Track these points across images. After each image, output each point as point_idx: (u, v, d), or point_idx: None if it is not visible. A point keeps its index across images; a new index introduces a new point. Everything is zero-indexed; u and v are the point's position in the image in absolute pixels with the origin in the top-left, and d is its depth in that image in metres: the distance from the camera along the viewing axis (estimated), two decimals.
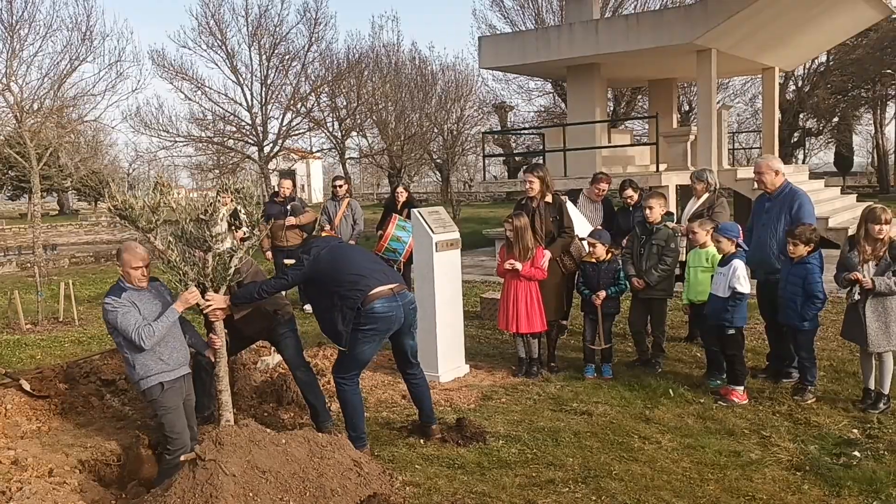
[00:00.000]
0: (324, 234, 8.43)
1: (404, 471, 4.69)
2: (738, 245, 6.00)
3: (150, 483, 4.61)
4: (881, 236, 5.39)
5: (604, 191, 8.50)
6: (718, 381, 6.19)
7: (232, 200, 4.94)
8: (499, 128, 35.65)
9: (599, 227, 7.45)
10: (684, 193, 14.10)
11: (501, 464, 4.80)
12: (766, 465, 4.67)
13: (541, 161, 15.27)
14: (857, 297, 5.44)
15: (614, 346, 6.97)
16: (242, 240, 4.97)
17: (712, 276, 6.21)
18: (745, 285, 5.82)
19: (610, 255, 6.73)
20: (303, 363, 5.54)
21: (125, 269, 4.52)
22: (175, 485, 3.88)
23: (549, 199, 6.88)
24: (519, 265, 6.45)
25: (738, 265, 5.86)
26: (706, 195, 7.58)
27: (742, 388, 5.89)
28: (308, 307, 10.53)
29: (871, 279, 5.33)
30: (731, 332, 5.91)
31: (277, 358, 6.56)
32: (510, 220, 6.58)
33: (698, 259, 6.49)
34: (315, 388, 5.51)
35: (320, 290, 5.03)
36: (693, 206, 7.64)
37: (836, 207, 15.30)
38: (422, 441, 5.21)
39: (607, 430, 5.34)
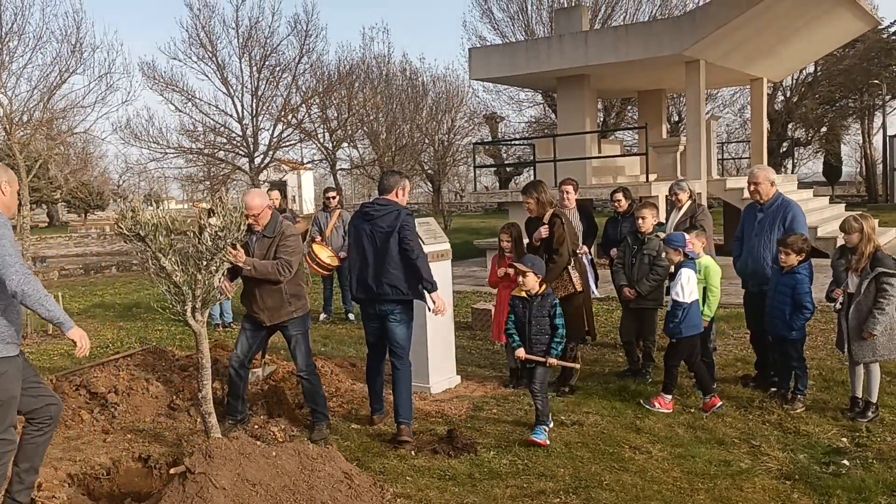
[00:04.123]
0: (315, 245, 8.45)
1: (395, 483, 4.68)
2: (686, 254, 6.05)
3: (139, 496, 4.59)
4: (849, 245, 5.46)
5: (569, 194, 7.92)
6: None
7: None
8: (489, 138, 35.75)
9: (531, 254, 6.23)
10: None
11: (492, 475, 4.80)
12: (756, 474, 4.69)
13: (531, 171, 15.29)
14: (838, 307, 5.50)
15: (583, 366, 6.71)
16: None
17: (704, 288, 6.24)
18: (683, 295, 5.87)
19: (544, 287, 5.61)
20: (310, 367, 5.64)
21: None
22: (165, 498, 3.87)
23: (547, 217, 6.54)
24: (512, 270, 6.47)
25: (682, 273, 5.92)
26: (687, 205, 7.64)
27: (669, 397, 5.96)
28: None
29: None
30: (674, 340, 5.98)
31: (268, 370, 6.55)
32: (506, 230, 6.63)
33: None
34: (317, 393, 5.63)
35: None
36: (676, 216, 7.70)
37: (824, 217, 15.42)
38: (413, 452, 5.20)
39: (598, 440, 5.35)
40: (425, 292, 5.56)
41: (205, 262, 4.43)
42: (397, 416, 5.48)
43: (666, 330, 6.10)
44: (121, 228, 4.36)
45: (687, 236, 6.46)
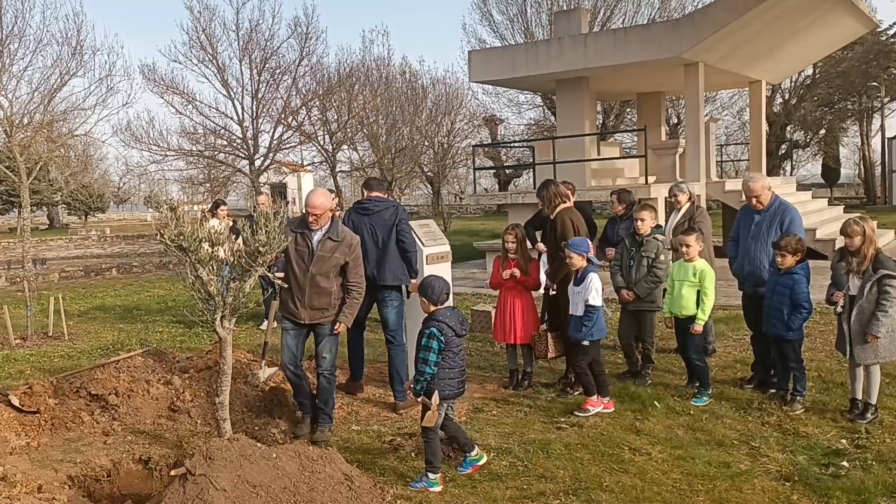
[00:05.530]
0: None
1: (395, 484, 4.70)
2: (589, 259, 6.08)
3: (140, 498, 4.60)
4: (851, 249, 5.46)
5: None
6: (704, 399, 6.17)
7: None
8: (489, 141, 35.80)
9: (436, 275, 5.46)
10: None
11: (492, 476, 4.81)
12: (756, 476, 4.70)
13: (531, 174, 15.26)
14: (839, 309, 5.51)
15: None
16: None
17: (697, 291, 6.22)
18: (597, 298, 5.94)
19: (433, 310, 4.87)
20: (332, 367, 5.74)
21: None
22: (165, 500, 3.88)
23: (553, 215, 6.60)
24: (518, 272, 6.51)
25: (593, 278, 5.96)
26: (686, 206, 7.67)
27: (608, 397, 6.05)
28: None
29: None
30: (585, 343, 6.02)
31: (269, 371, 6.56)
32: (511, 231, 6.64)
33: (684, 273, 6.35)
34: (331, 395, 5.74)
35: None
36: (675, 218, 7.71)
37: (823, 219, 15.44)
38: (413, 454, 5.21)
39: (598, 441, 5.36)
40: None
41: (239, 272, 4.47)
42: (393, 391, 6.36)
43: (576, 335, 6.05)
44: (163, 238, 4.35)
45: (685, 238, 6.47)
